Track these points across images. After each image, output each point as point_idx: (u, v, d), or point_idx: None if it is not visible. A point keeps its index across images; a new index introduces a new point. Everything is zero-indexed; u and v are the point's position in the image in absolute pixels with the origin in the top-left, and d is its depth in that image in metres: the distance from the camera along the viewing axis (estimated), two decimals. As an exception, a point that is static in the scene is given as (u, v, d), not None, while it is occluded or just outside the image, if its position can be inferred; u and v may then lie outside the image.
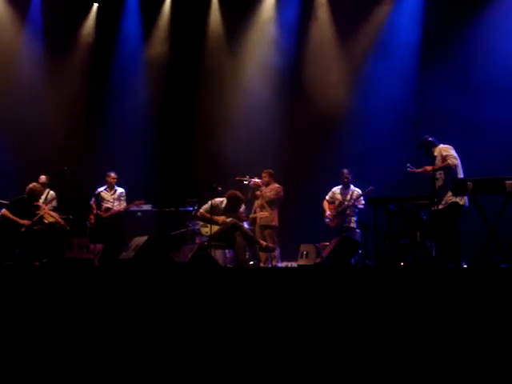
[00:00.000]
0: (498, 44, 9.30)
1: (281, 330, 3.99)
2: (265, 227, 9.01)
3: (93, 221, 9.23)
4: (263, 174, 9.23)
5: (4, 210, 8.13)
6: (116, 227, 9.34)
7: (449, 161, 7.14)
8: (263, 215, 8.89)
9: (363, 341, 3.80)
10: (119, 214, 9.51)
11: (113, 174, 9.62)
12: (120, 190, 9.64)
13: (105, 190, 9.55)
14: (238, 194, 8.06)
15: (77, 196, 9.76)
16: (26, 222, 8.03)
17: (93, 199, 9.41)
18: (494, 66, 9.21)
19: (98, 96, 11.54)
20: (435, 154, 7.28)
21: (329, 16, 11.03)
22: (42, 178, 9.25)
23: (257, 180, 9.26)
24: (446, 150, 7.25)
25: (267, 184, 9.18)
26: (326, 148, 10.30)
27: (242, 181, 9.23)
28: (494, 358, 3.50)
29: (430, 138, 7.42)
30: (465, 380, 3.49)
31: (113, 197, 9.54)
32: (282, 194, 9.12)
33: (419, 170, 7.43)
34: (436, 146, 7.38)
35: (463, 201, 7.07)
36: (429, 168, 7.18)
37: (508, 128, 8.94)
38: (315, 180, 9.95)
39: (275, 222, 9.04)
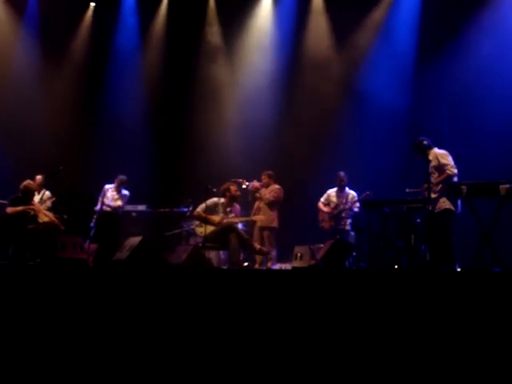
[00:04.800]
0: (495, 47, 9.33)
1: (275, 332, 3.99)
2: (264, 229, 8.99)
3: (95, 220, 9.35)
4: (263, 176, 9.20)
5: (8, 208, 8.06)
6: (113, 227, 9.41)
7: (448, 171, 7.04)
8: (258, 218, 8.84)
9: (357, 343, 3.81)
10: (115, 211, 9.69)
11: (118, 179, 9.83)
12: (125, 192, 9.89)
13: (111, 188, 9.77)
14: (228, 184, 8.25)
15: (71, 195, 9.75)
16: (34, 206, 8.11)
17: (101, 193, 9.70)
18: (489, 70, 9.24)
19: (93, 96, 11.54)
20: (430, 157, 7.15)
21: (325, 20, 11.07)
22: (38, 178, 9.22)
23: (255, 183, 9.24)
24: (443, 158, 7.11)
25: (267, 186, 9.15)
26: (321, 150, 10.32)
27: (241, 184, 9.21)
28: (489, 361, 3.51)
29: (424, 141, 7.27)
30: (459, 382, 3.51)
31: (112, 194, 9.73)
32: (281, 194, 9.09)
33: (418, 189, 7.33)
34: (431, 148, 7.24)
35: (456, 207, 7.03)
36: (426, 186, 7.02)
37: (503, 131, 8.96)
38: (310, 182, 9.96)
39: (275, 224, 9.02)
